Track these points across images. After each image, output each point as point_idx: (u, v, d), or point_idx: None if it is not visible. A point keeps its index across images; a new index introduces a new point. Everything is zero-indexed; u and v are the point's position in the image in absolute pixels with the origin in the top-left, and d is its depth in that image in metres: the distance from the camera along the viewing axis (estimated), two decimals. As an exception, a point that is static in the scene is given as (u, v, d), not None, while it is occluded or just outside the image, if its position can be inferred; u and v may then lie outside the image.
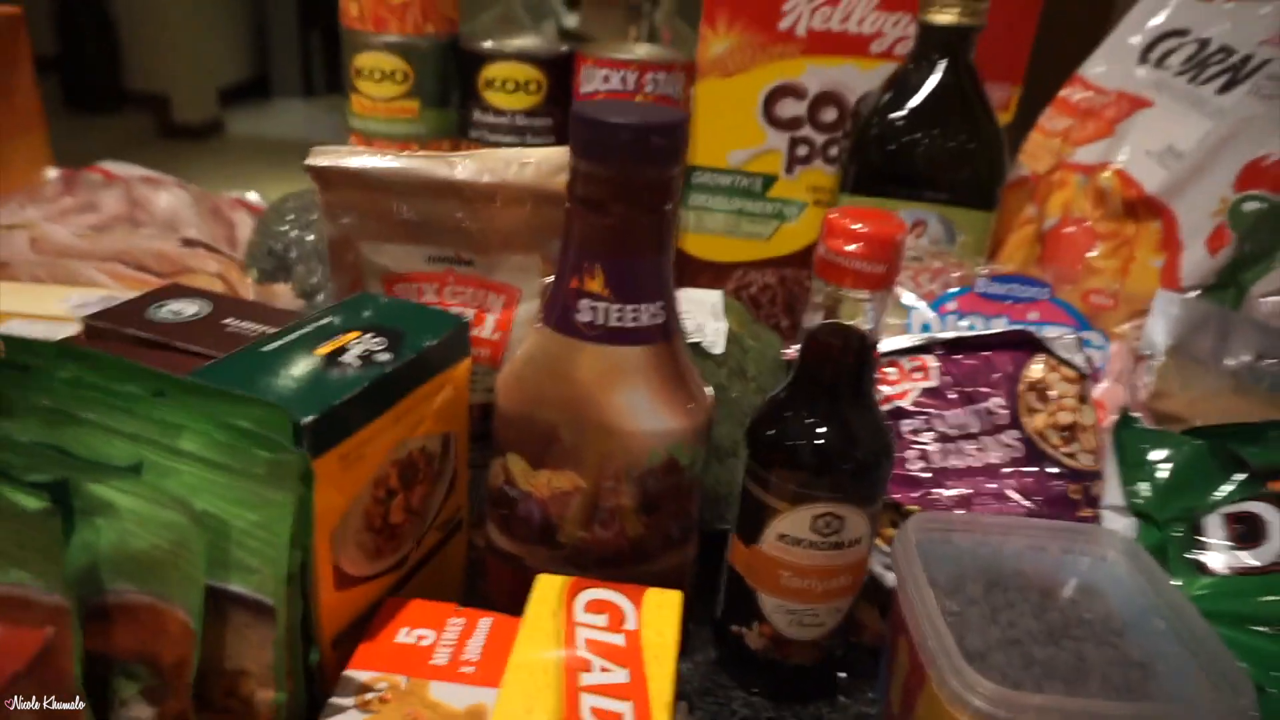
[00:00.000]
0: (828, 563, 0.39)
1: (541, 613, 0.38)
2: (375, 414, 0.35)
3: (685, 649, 0.46)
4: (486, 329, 0.45)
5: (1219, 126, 0.59)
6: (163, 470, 0.29)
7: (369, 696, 0.34)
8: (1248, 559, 0.42)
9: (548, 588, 0.39)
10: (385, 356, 0.36)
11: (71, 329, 0.46)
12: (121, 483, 0.28)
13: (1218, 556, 0.42)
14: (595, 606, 0.38)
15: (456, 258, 0.44)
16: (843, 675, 0.44)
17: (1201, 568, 0.42)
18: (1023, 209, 0.69)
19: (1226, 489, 0.45)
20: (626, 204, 0.34)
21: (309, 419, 0.31)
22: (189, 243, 0.62)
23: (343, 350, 0.36)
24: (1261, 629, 0.39)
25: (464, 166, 0.41)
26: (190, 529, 0.27)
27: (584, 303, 0.36)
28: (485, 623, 0.39)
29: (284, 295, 0.53)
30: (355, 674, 0.35)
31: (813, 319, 0.38)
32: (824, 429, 0.38)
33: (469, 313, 0.45)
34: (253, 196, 0.76)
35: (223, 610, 0.29)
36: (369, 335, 0.38)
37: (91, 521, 0.28)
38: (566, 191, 0.36)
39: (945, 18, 0.53)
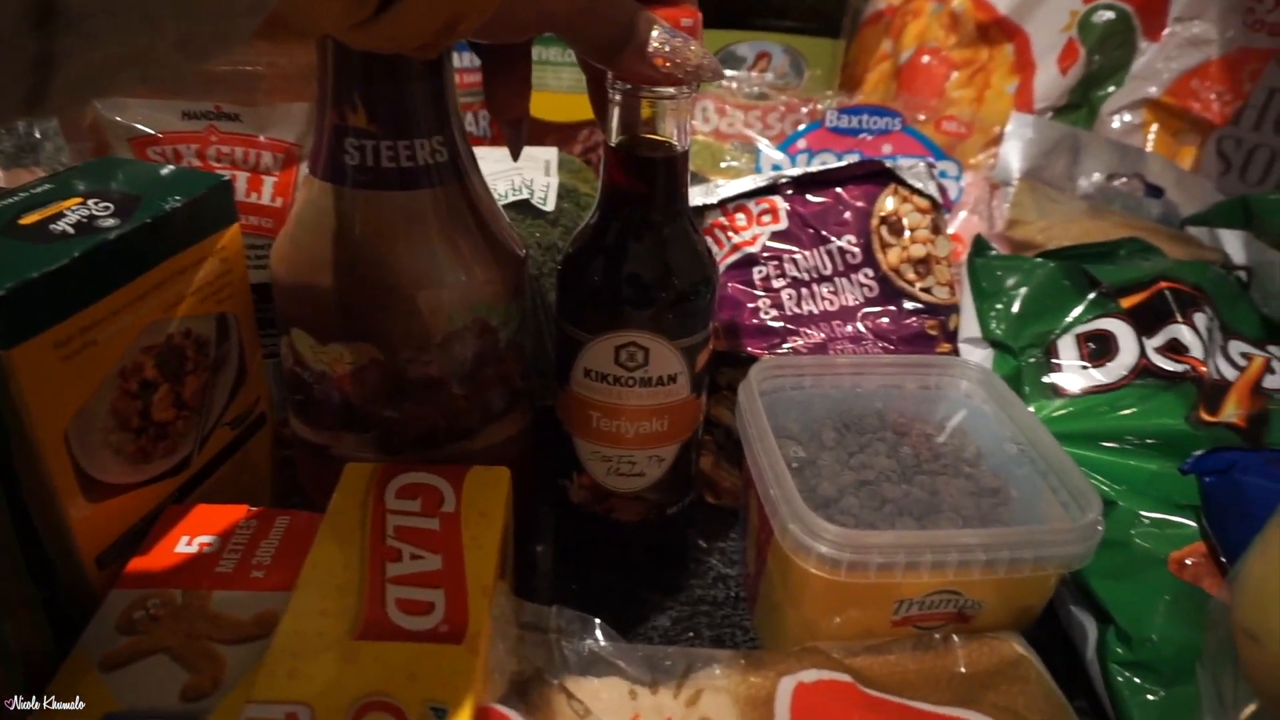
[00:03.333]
0: (637, 402, 0.36)
1: (347, 504, 0.33)
2: (103, 291, 0.29)
3: (532, 529, 0.43)
4: (265, 194, 0.39)
5: (1069, -66, 0.55)
6: None
7: (137, 616, 0.30)
8: (1098, 376, 0.40)
9: (355, 476, 0.35)
10: (110, 222, 0.30)
11: None
12: None
13: (1071, 377, 0.41)
14: (408, 491, 0.34)
15: (218, 111, 0.37)
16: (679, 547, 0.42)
17: (1056, 390, 0.41)
18: (879, 44, 0.65)
19: (1079, 310, 0.43)
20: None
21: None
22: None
23: (56, 218, 0.30)
24: (1111, 444, 0.38)
25: None
26: None
27: (349, 142, 0.31)
28: (283, 521, 0.34)
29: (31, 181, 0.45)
30: (123, 593, 0.31)
31: (612, 133, 0.33)
32: (620, 253, 0.34)
33: (241, 178, 0.39)
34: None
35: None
36: (93, 201, 0.31)
37: None
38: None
39: None
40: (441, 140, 0.32)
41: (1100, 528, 0.31)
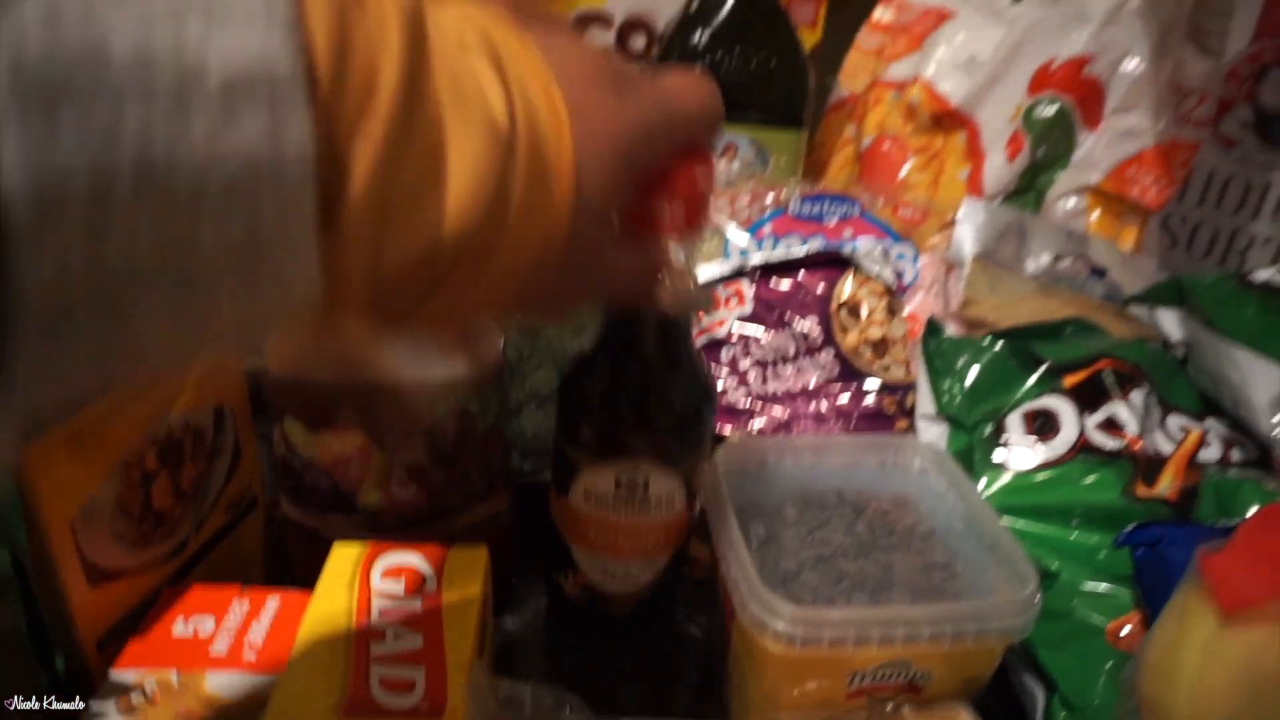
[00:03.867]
0: (635, 522, 0.37)
1: (335, 585, 0.36)
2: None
3: (511, 601, 0.45)
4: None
5: (1011, 33, 0.59)
6: None
7: (134, 698, 0.32)
8: (1043, 452, 0.43)
9: (342, 557, 0.37)
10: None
11: None
12: None
13: (1017, 453, 0.43)
14: (394, 572, 0.36)
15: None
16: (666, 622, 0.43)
17: (1004, 465, 0.43)
18: (843, 130, 0.69)
19: (1025, 388, 0.46)
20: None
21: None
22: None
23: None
24: (1055, 517, 0.40)
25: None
26: None
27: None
28: (274, 601, 0.36)
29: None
30: (121, 674, 0.32)
31: None
32: (623, 388, 0.35)
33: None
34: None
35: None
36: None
37: None
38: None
39: (736, -69, 0.52)
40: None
41: (1037, 600, 0.33)
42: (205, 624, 0.35)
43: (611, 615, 0.41)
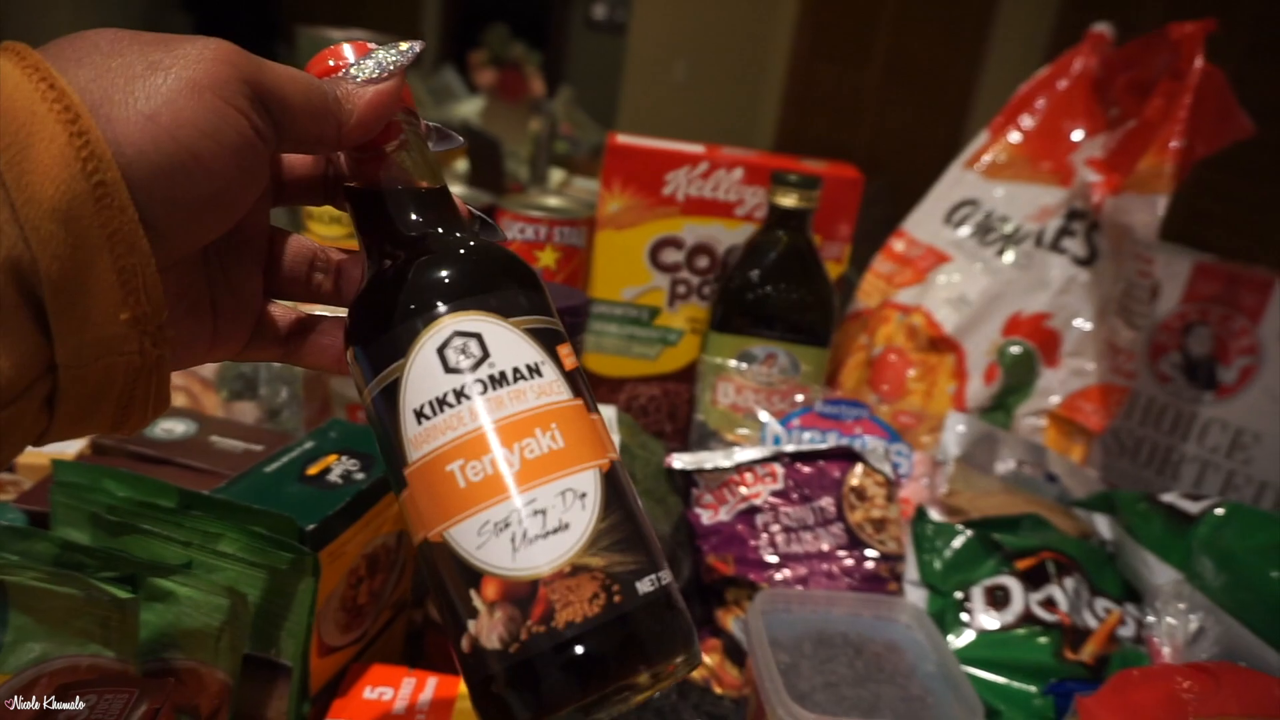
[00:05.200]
0: (500, 411, 0.26)
1: (475, 673, 0.49)
2: (353, 520, 0.47)
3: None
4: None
5: (993, 284, 0.77)
6: (209, 567, 0.40)
7: (343, 743, 0.45)
8: (998, 619, 0.57)
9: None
10: (360, 475, 0.48)
11: (75, 445, 0.55)
12: (179, 578, 0.39)
13: (979, 618, 0.57)
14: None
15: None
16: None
17: (968, 626, 0.57)
18: (858, 337, 0.86)
19: (988, 566, 0.60)
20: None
21: (311, 527, 0.42)
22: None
23: (328, 470, 0.48)
24: (1003, 669, 0.54)
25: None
26: (237, 610, 0.38)
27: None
28: (433, 681, 0.50)
29: (247, 411, 0.63)
30: (331, 724, 0.46)
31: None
32: (408, 260, 0.28)
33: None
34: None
35: (251, 671, 0.40)
36: (346, 457, 0.49)
37: (153, 606, 0.39)
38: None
39: (788, 201, 0.69)
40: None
41: (982, 728, 0.47)
42: (385, 693, 0.48)
43: (579, 635, 0.24)
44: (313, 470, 0.47)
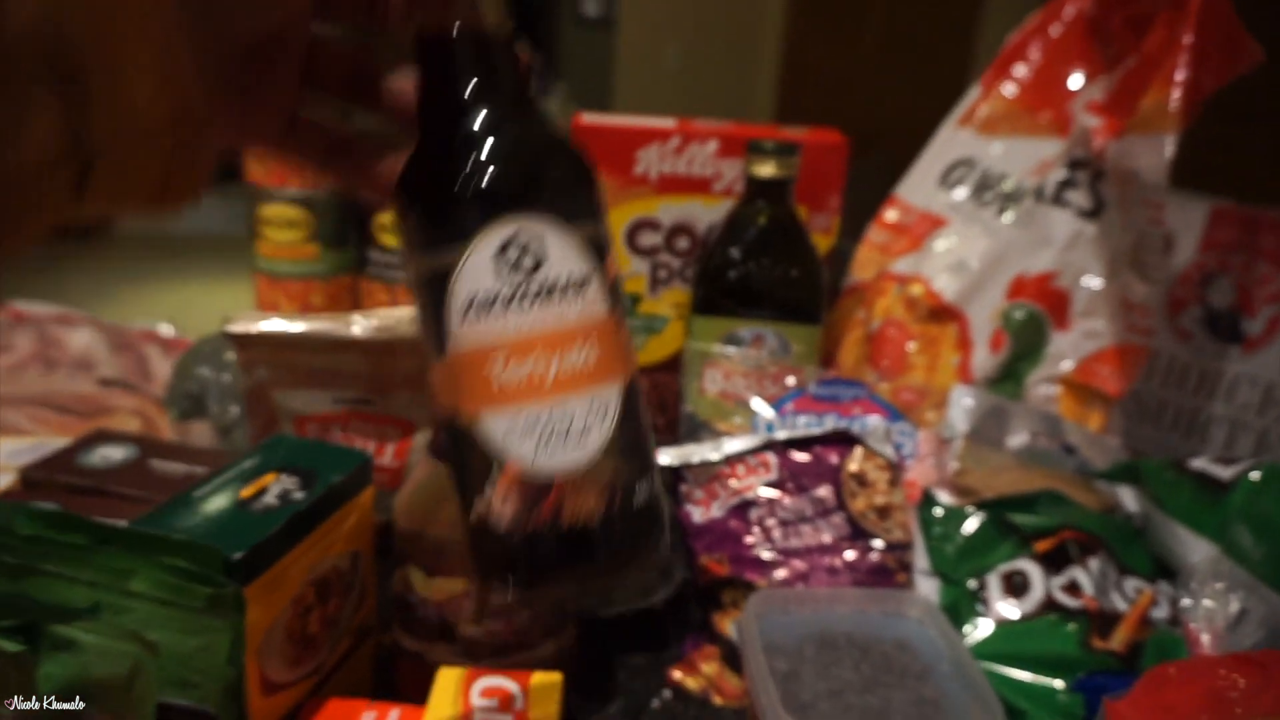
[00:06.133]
0: (546, 321, 0.27)
1: (443, 700, 0.45)
2: (293, 544, 0.42)
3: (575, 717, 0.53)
4: (386, 458, 0.53)
5: (994, 245, 0.72)
6: (118, 609, 0.35)
7: (294, 788, 0.41)
8: (1017, 608, 0.52)
9: (448, 678, 0.46)
10: (300, 495, 0.43)
11: (6, 478, 0.51)
12: (83, 624, 0.34)
13: (996, 608, 0.52)
14: (489, 692, 0.45)
15: (358, 399, 0.52)
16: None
17: (985, 617, 0.52)
18: (854, 313, 0.81)
19: (1004, 550, 0.55)
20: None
21: (239, 556, 0.38)
22: (106, 382, 0.67)
23: (263, 491, 0.43)
24: (1024, 664, 0.49)
25: (361, 325, 0.49)
26: (144, 658, 0.34)
27: (466, 439, 0.44)
28: (395, 714, 0.45)
29: (201, 432, 0.59)
30: (281, 769, 0.42)
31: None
32: (462, 135, 0.28)
33: (370, 445, 0.53)
34: (164, 329, 0.82)
35: (171, 721, 0.36)
36: (285, 475, 0.45)
37: (56, 657, 0.34)
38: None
39: (765, 170, 0.65)
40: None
41: (1003, 733, 0.42)
42: (342, 731, 0.44)
43: (576, 528, 0.28)
44: (247, 492, 0.43)
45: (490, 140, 0.27)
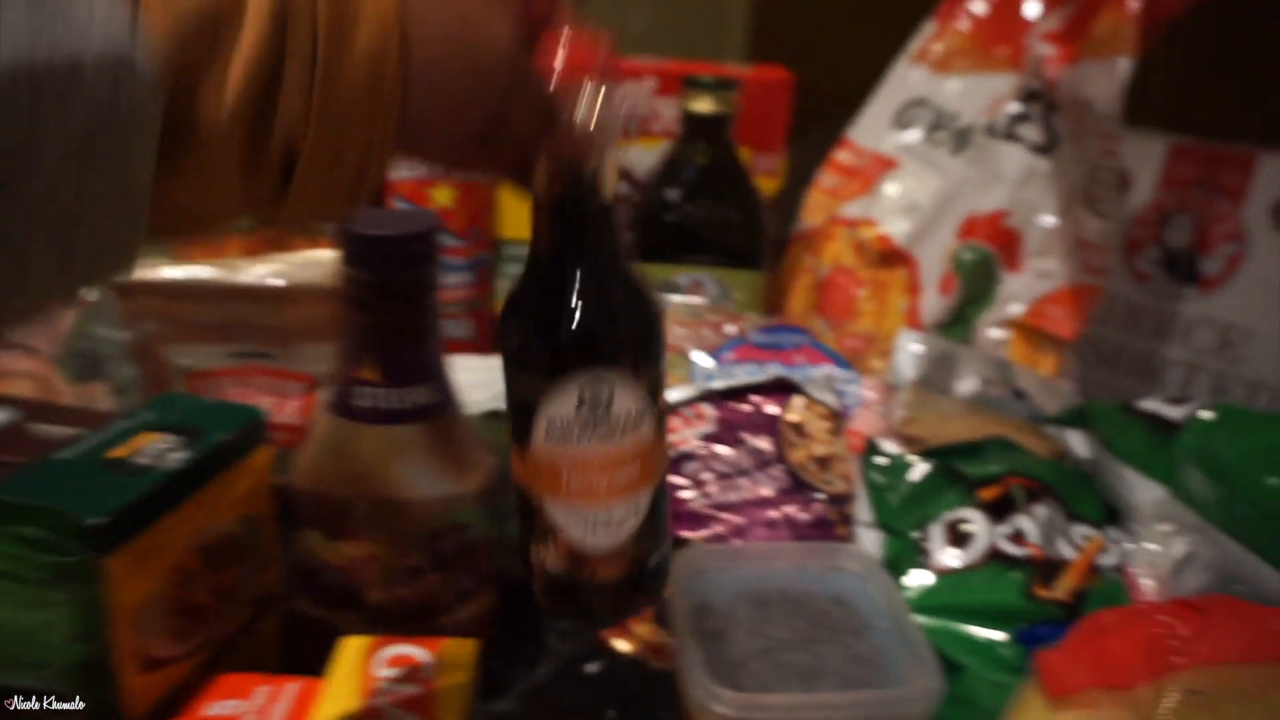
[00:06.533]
0: (605, 449, 0.34)
1: (345, 672, 0.42)
2: (169, 508, 0.39)
3: (497, 689, 0.50)
4: (288, 414, 0.49)
5: (945, 185, 0.68)
6: (-47, 582, 0.32)
7: (174, 771, 0.38)
8: (959, 558, 0.49)
9: (351, 648, 0.43)
10: (178, 455, 0.40)
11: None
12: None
13: (939, 559, 0.50)
14: (395, 661, 0.42)
15: (257, 352, 0.48)
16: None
17: (927, 569, 0.50)
18: (803, 259, 0.78)
19: (948, 499, 0.53)
20: (390, 303, 0.39)
21: (96, 522, 0.35)
22: (3, 345, 0.63)
23: (137, 452, 0.40)
24: (967, 616, 0.47)
25: (254, 272, 0.45)
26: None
27: (360, 390, 0.41)
28: (292, 688, 0.42)
29: (99, 395, 0.55)
30: (162, 751, 0.38)
31: (544, 185, 0.33)
32: (568, 290, 0.33)
33: (270, 401, 0.49)
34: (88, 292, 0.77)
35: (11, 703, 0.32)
36: (165, 435, 0.41)
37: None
38: (339, 294, 0.40)
39: (702, 106, 0.61)
40: (432, 386, 0.42)
41: (937, 693, 0.39)
42: (235, 707, 0.41)
43: (601, 581, 0.37)
44: (116, 453, 0.40)
45: (587, 301, 0.33)
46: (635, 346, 0.35)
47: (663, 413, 0.37)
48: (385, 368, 0.41)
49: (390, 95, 0.25)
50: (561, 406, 0.34)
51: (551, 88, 0.29)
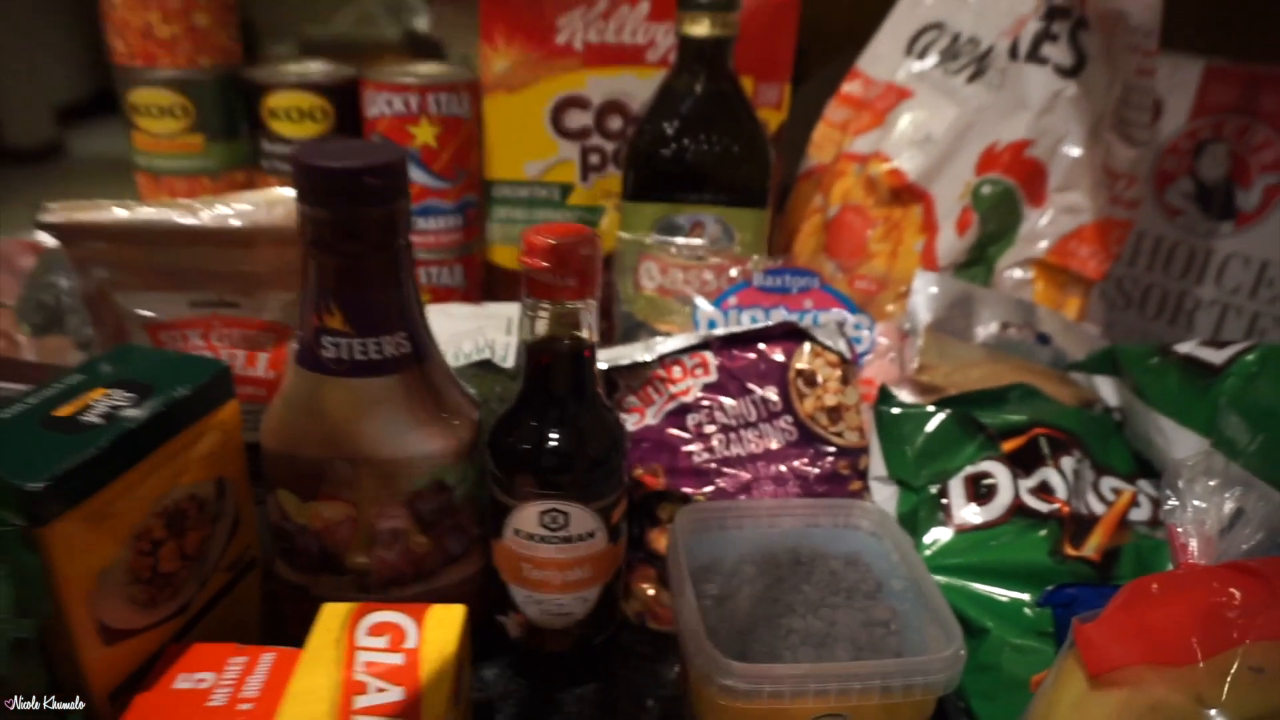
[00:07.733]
0: (561, 556, 0.41)
1: (324, 641, 0.39)
2: (123, 469, 0.36)
3: (488, 655, 0.48)
4: (260, 368, 0.46)
5: (962, 115, 0.64)
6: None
7: (140, 749, 0.35)
8: (981, 515, 0.46)
9: (331, 615, 0.40)
10: (131, 413, 0.37)
11: None
12: None
13: (958, 515, 0.47)
14: (378, 629, 0.39)
15: (220, 301, 0.44)
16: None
17: (945, 526, 0.47)
18: (812, 199, 0.74)
19: (968, 451, 0.49)
20: (353, 243, 0.36)
21: (36, 486, 0.31)
22: (-35, 298, 0.60)
23: (85, 409, 0.36)
24: (988, 576, 0.44)
25: (208, 213, 0.41)
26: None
27: (327, 339, 0.37)
28: (268, 658, 0.39)
29: (61, 348, 0.52)
30: (128, 727, 0.36)
31: (526, 332, 0.40)
32: (540, 433, 0.41)
33: (239, 354, 0.45)
34: (47, 238, 0.73)
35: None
36: (117, 391, 0.38)
37: None
38: (298, 234, 0.37)
39: (699, 29, 0.56)
40: (405, 335, 0.39)
41: (960, 658, 0.36)
42: (205, 679, 0.38)
43: (552, 652, 0.45)
44: (63, 411, 0.36)
45: (551, 445, 0.41)
46: (591, 484, 0.41)
47: (618, 525, 0.43)
48: (351, 315, 0.37)
49: None
50: (526, 521, 0.41)
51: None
